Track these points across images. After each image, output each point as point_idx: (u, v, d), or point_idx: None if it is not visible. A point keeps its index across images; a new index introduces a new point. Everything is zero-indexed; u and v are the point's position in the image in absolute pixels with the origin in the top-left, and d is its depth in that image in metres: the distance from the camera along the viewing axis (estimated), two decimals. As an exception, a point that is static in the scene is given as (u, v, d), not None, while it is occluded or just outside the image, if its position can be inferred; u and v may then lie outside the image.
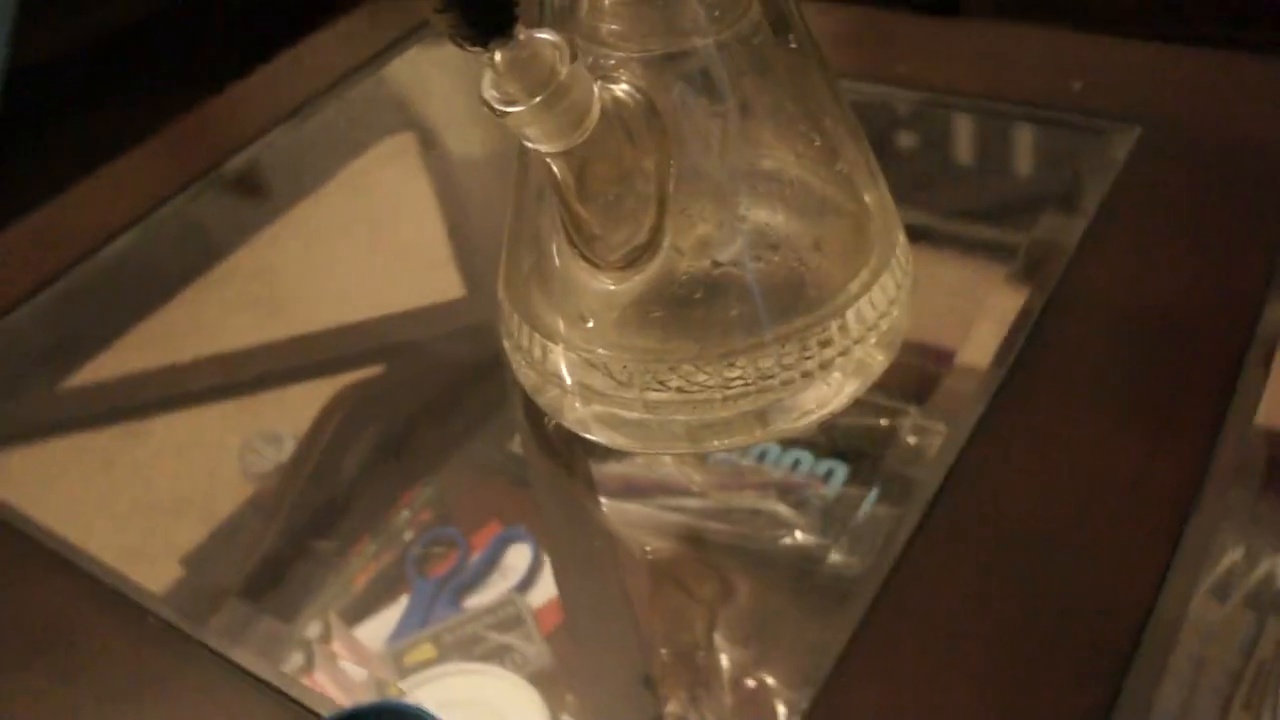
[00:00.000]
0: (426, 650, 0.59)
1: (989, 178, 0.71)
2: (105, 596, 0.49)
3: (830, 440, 0.62)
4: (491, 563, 0.64)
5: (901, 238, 0.48)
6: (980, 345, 0.57)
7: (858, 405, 0.50)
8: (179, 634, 0.47)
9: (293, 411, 0.66)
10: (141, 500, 0.65)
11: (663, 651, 0.51)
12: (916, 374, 0.62)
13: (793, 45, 0.44)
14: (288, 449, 0.67)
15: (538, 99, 0.36)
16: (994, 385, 0.51)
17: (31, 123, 1.46)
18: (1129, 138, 0.62)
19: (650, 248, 0.41)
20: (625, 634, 0.46)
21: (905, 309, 0.48)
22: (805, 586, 0.55)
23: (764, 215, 0.46)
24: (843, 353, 0.44)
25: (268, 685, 0.45)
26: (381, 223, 0.81)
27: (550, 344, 0.46)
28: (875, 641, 0.42)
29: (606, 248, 0.41)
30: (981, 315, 0.59)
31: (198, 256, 0.81)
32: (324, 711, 0.43)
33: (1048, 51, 0.70)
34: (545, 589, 0.63)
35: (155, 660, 0.46)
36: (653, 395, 0.45)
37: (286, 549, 0.62)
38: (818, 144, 0.45)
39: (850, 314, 0.45)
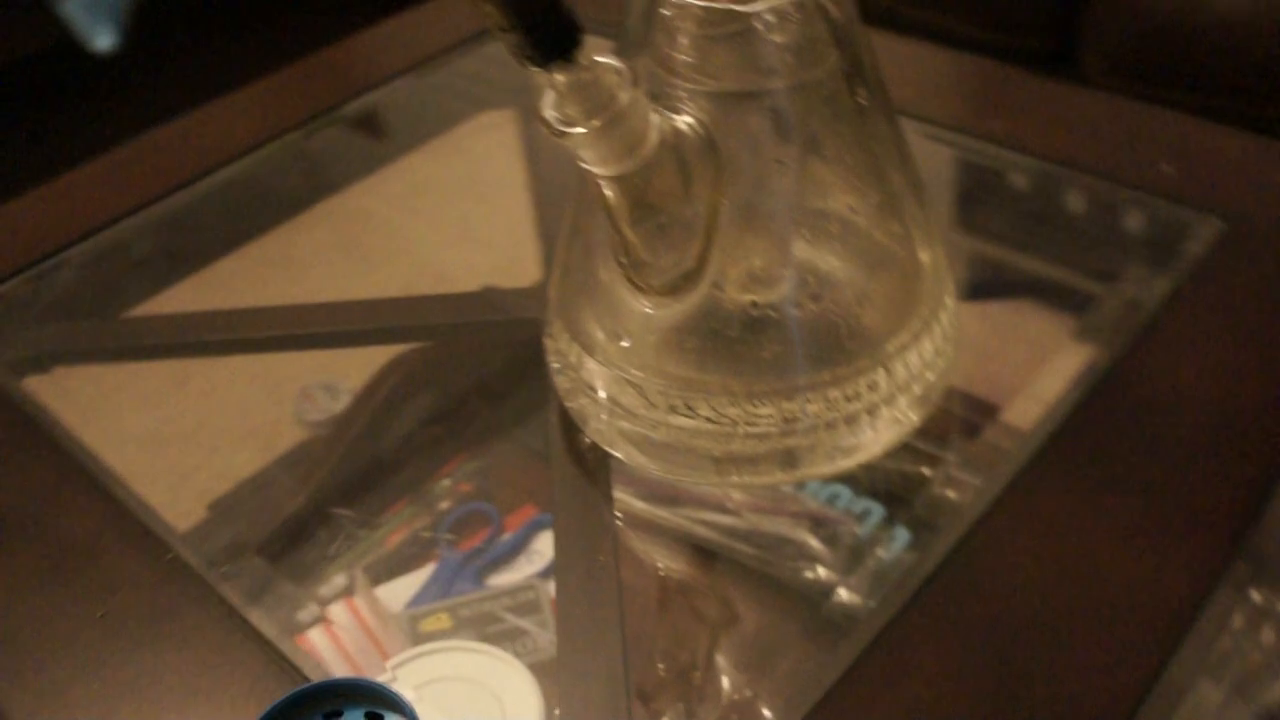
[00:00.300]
0: (442, 620, 0.60)
1: (1065, 244, 0.69)
2: (133, 528, 0.51)
3: (871, 480, 0.62)
4: (520, 545, 0.65)
5: (950, 302, 0.48)
6: (1027, 408, 0.56)
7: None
8: (197, 578, 0.49)
9: (356, 368, 0.68)
10: (190, 436, 0.67)
11: (660, 666, 0.51)
12: (962, 422, 0.61)
13: (864, 98, 0.44)
14: (343, 402, 0.69)
15: (595, 123, 0.37)
16: (1030, 451, 0.50)
17: (172, 44, 1.50)
18: (1210, 230, 0.60)
19: (693, 278, 0.41)
20: (620, 642, 0.46)
21: (944, 373, 0.47)
22: (812, 618, 0.55)
23: (813, 262, 0.46)
24: (870, 410, 0.44)
25: (271, 645, 0.46)
26: (476, 191, 0.83)
27: (587, 355, 0.46)
28: (866, 682, 0.42)
29: (651, 273, 0.41)
30: (1034, 379, 0.58)
31: (302, 192, 0.83)
32: (315, 676, 0.45)
33: (1144, 127, 0.69)
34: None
35: (172, 598, 0.48)
36: (680, 421, 0.45)
37: (322, 500, 0.64)
38: (877, 198, 0.45)
39: (882, 372, 0.45)
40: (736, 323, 0.44)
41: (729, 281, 0.45)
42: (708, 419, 0.45)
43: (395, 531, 0.64)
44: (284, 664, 0.45)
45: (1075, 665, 0.42)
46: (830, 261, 0.46)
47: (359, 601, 0.59)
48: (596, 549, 0.48)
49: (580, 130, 0.37)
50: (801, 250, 0.45)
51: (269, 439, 0.65)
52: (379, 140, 0.88)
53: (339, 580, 0.61)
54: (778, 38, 0.41)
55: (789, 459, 0.47)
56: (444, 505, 0.65)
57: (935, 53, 0.78)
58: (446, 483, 0.66)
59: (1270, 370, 0.52)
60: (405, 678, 0.52)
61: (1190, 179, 0.63)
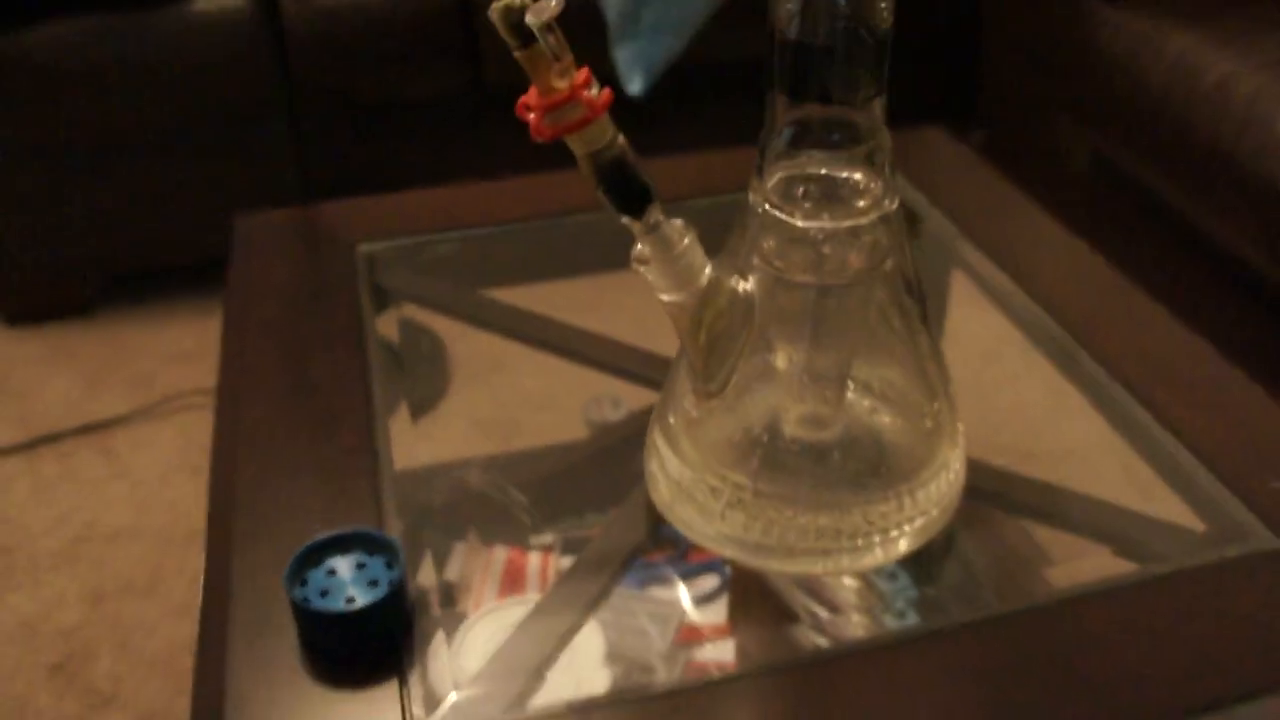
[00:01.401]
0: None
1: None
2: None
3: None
4: (689, 575, 0.78)
5: (957, 459, 0.61)
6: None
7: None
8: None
9: (635, 394, 0.84)
10: (472, 415, 0.83)
11: None
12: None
13: (906, 293, 0.58)
14: (621, 414, 0.86)
15: (659, 257, 0.52)
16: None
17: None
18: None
19: (717, 392, 0.57)
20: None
21: (946, 510, 0.61)
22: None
23: (859, 412, 0.59)
24: (887, 530, 0.59)
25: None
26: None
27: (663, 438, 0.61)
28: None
29: (698, 376, 0.55)
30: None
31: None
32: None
33: (1263, 432, 0.70)
34: (710, 616, 0.77)
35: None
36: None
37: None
38: (911, 370, 0.60)
39: (907, 500, 0.58)
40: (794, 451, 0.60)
41: (789, 420, 0.60)
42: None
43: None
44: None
45: None
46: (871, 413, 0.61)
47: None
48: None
49: (649, 264, 0.52)
50: (851, 402, 0.60)
51: (556, 425, 0.82)
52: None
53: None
54: (840, 248, 0.56)
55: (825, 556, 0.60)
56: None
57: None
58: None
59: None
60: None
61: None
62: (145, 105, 1.55)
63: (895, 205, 0.55)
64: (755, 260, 0.56)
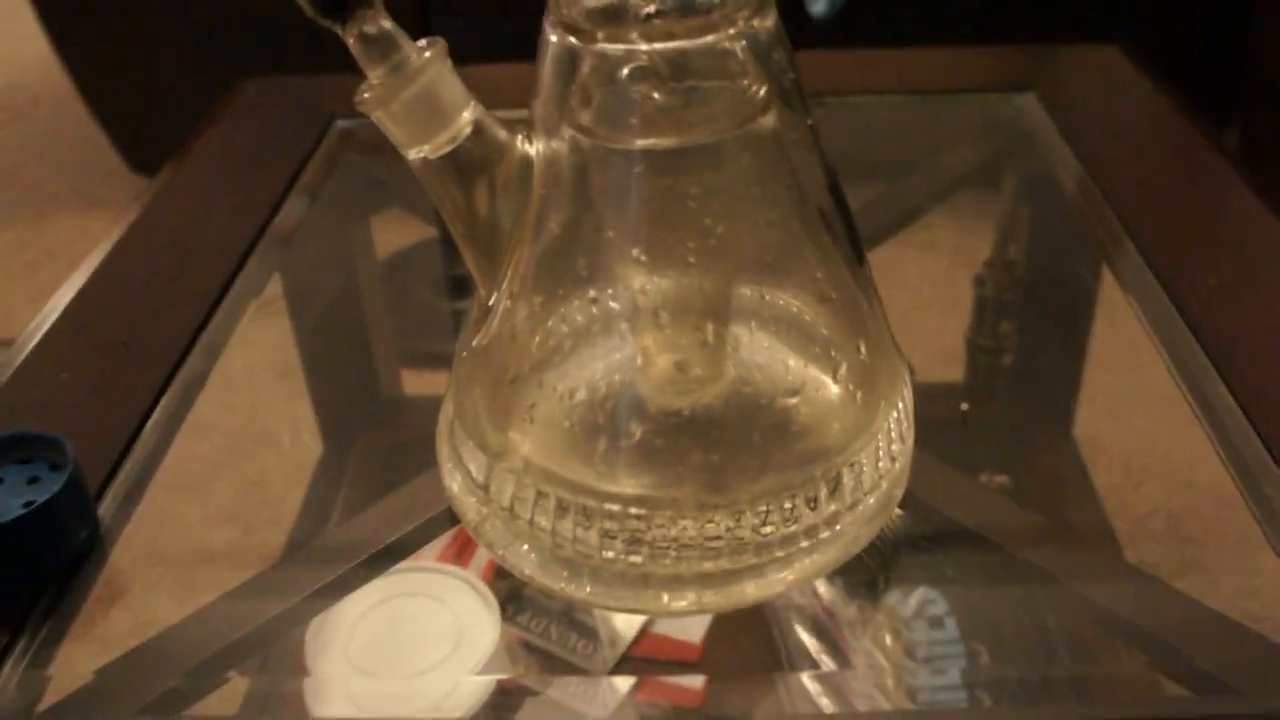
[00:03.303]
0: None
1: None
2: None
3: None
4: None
5: (904, 399, 0.41)
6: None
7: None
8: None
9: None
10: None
11: None
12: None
13: (825, 196, 0.38)
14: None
15: (382, 73, 0.34)
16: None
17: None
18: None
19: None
20: None
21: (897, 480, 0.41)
22: None
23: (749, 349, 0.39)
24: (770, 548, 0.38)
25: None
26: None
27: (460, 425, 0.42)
28: None
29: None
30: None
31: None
32: None
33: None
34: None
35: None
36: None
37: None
38: (818, 275, 0.39)
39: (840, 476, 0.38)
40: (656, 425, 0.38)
41: (646, 379, 0.39)
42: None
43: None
44: None
45: None
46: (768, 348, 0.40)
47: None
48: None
49: (372, 94, 0.35)
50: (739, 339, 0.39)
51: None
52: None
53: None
54: (697, 82, 0.36)
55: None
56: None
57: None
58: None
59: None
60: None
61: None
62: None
63: (771, 22, 0.35)
64: (566, 117, 0.36)
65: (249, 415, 0.75)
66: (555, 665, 0.65)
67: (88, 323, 0.57)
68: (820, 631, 0.66)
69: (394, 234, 0.82)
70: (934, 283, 0.85)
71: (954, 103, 0.78)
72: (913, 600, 0.68)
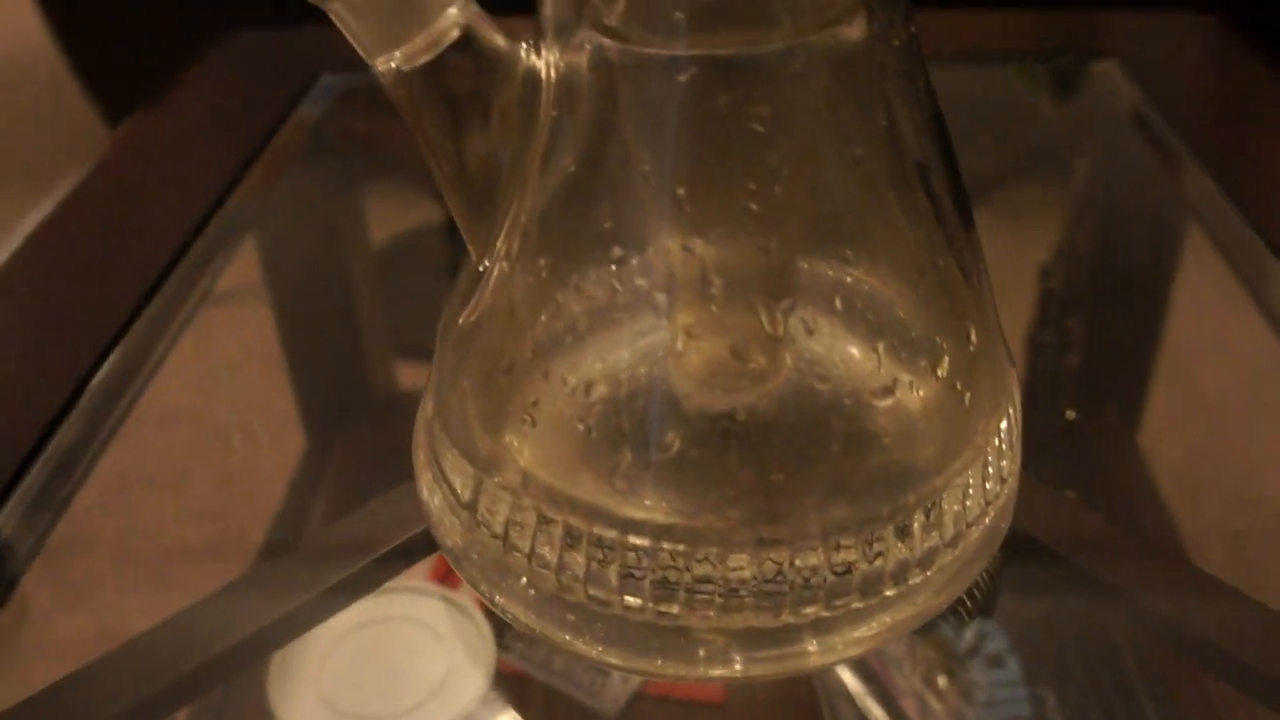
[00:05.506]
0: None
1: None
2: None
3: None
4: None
5: (1010, 417, 0.32)
6: None
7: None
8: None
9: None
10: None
11: None
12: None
13: (929, 146, 0.28)
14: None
15: None
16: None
17: None
18: None
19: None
20: None
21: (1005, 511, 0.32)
22: None
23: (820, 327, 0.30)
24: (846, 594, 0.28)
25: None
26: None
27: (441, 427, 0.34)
28: None
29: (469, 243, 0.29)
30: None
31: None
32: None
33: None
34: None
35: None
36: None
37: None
38: (918, 236, 0.29)
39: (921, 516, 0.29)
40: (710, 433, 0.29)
41: (684, 374, 0.29)
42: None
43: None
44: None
45: None
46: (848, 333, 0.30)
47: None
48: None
49: None
50: (812, 319, 0.29)
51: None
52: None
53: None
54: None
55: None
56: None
57: None
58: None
59: None
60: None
61: None
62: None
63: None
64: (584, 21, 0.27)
65: (211, 406, 0.67)
66: (557, 702, 0.59)
67: (17, 291, 0.49)
68: (864, 671, 0.59)
69: (387, 203, 0.75)
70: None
71: (1020, 69, 0.71)
72: (968, 634, 0.62)
